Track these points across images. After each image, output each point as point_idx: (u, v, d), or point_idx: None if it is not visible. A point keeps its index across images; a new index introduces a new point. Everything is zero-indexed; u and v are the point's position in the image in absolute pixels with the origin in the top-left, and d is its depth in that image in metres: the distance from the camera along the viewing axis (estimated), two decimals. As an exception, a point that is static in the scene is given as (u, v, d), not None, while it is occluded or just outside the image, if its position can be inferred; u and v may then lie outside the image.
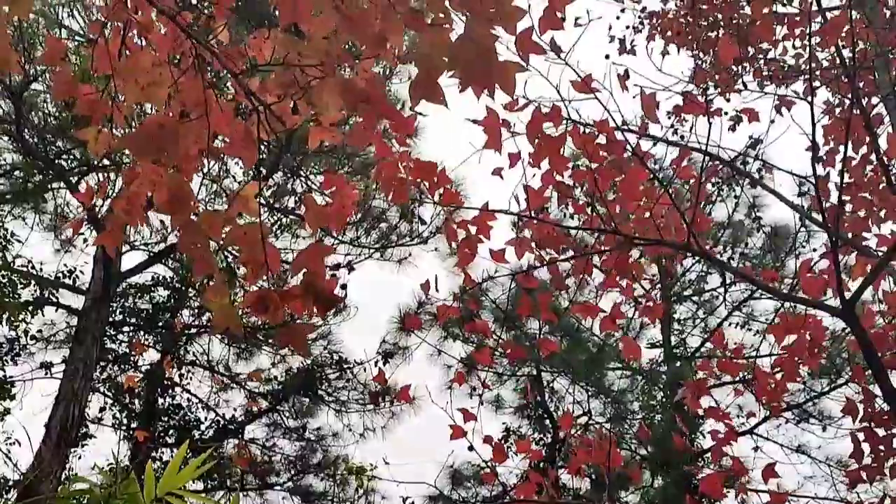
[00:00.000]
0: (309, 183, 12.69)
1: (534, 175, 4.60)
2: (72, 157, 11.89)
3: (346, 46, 2.80)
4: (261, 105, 2.76)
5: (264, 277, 2.70)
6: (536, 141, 4.45)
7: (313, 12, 2.63)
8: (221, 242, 2.83)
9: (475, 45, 2.40)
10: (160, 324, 12.86)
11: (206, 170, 11.38)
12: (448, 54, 2.43)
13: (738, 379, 6.23)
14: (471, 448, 5.22)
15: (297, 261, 2.65)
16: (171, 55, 3.25)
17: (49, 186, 12.17)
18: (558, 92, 4.39)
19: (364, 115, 2.70)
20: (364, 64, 2.90)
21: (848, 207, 5.56)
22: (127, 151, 3.18)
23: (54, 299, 12.23)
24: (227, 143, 2.91)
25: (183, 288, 12.90)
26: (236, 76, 2.89)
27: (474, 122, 4.21)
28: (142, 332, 12.97)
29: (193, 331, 13.19)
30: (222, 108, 2.94)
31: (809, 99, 4.37)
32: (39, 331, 12.39)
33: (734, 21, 7.27)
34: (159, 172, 2.84)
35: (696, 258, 11.49)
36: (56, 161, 11.60)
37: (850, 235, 5.47)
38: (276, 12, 2.79)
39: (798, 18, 6.08)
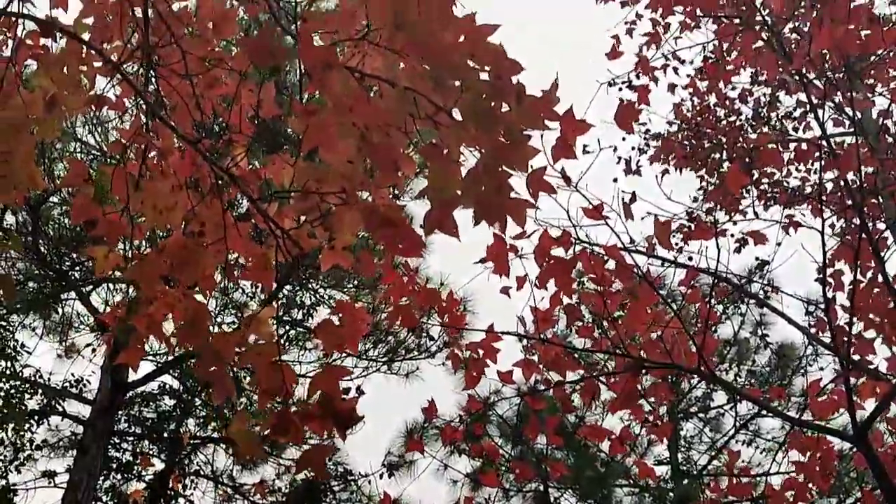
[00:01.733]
0: (318, 296, 12.76)
1: (542, 298, 4.67)
2: (84, 268, 12.00)
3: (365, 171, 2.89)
4: (279, 230, 2.84)
5: (278, 399, 2.73)
6: (544, 263, 4.53)
7: (339, 137, 2.72)
8: (235, 364, 2.87)
9: (488, 181, 2.48)
10: (165, 433, 12.76)
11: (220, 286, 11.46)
12: (461, 188, 2.51)
13: (748, 498, 6.17)
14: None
15: (313, 383, 2.69)
16: (189, 179, 3.35)
17: (60, 297, 12.25)
18: (568, 215, 4.49)
19: (385, 240, 2.77)
20: (381, 189, 2.98)
21: (856, 329, 5.58)
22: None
23: (60, 408, 12.18)
24: (245, 266, 2.98)
25: (189, 397, 12.84)
26: (254, 201, 2.97)
27: (482, 261, 4.30)
28: (146, 442, 12.86)
29: (198, 441, 13.07)
30: (240, 232, 3.02)
31: (819, 227, 4.44)
32: (45, 440, 12.30)
33: (738, 144, 7.43)
34: (177, 296, 2.90)
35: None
36: (69, 273, 11.71)
37: (857, 357, 5.48)
38: (293, 134, 2.89)
39: (806, 147, 6.22)
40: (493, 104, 2.56)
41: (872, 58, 5.95)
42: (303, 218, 2.95)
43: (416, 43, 2.64)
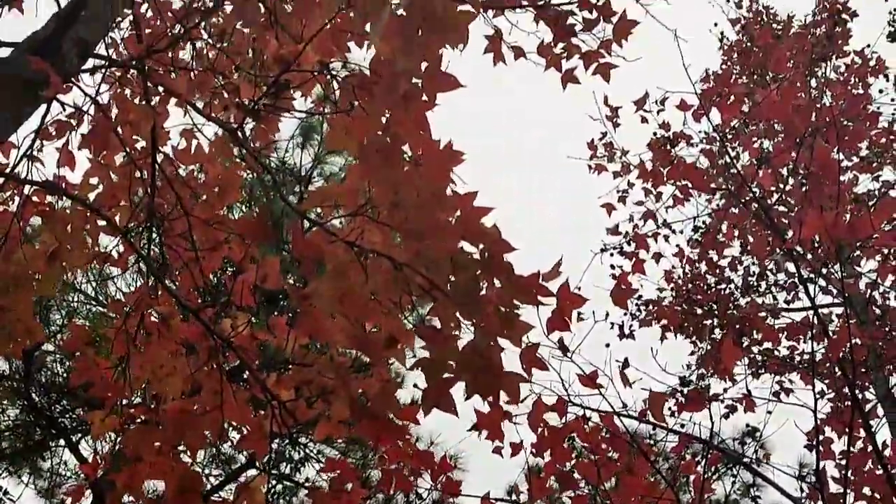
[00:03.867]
0: (307, 451, 12.61)
1: (536, 464, 4.66)
2: (75, 416, 11.89)
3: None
4: (275, 400, 2.88)
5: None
6: (539, 430, 4.55)
7: (331, 329, 2.78)
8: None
9: (482, 357, 2.54)
10: None
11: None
12: (457, 361, 2.57)
13: None
14: None
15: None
16: (188, 344, 3.40)
17: (49, 445, 12.09)
18: (562, 382, 4.54)
19: (369, 433, 2.79)
20: (376, 373, 3.03)
21: (849, 500, 5.53)
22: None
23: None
24: (241, 435, 3.00)
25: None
26: (253, 371, 3.02)
27: (475, 428, 4.32)
28: None
29: None
30: (237, 401, 3.06)
31: (811, 403, 4.48)
32: None
33: (729, 312, 7.54)
34: (169, 463, 2.91)
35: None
36: (59, 420, 11.60)
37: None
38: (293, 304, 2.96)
39: (798, 321, 6.33)
40: (484, 281, 2.64)
41: (859, 243, 6.13)
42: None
43: (413, 222, 2.74)
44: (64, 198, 3.93)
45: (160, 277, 3.53)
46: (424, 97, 2.70)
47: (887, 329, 6.77)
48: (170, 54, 4.13)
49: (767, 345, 7.52)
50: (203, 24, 4.09)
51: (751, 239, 7.22)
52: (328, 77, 3.19)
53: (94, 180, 4.18)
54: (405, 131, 2.65)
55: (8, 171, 3.77)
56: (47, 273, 3.72)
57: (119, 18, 4.07)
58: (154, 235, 4.15)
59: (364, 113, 2.72)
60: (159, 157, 4.18)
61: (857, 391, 6.16)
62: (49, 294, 3.92)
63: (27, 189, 3.78)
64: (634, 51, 4.83)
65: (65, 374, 11.44)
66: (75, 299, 11.46)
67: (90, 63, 3.67)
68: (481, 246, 2.64)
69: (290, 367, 3.00)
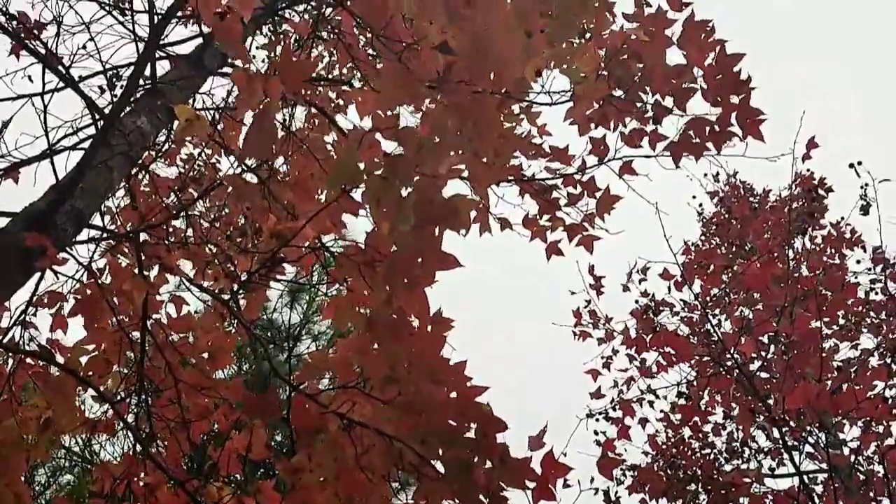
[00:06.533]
0: None
1: None
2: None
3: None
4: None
5: None
6: None
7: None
8: None
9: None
10: None
11: None
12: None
13: None
14: None
15: None
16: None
17: None
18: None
19: None
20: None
21: None
22: None
23: None
24: None
25: None
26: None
27: None
28: None
29: None
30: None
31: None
32: None
33: (713, 478, 7.49)
34: None
35: None
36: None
37: None
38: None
39: (784, 492, 6.30)
40: (475, 461, 2.66)
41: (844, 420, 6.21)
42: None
43: (406, 398, 2.77)
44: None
45: (147, 448, 3.53)
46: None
47: (872, 495, 6.74)
48: (164, 226, 4.23)
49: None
50: (199, 199, 4.21)
51: (734, 406, 7.26)
52: (325, 253, 3.28)
53: (86, 346, 4.20)
54: (410, 310, 2.72)
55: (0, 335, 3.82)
56: (39, 438, 3.70)
57: (115, 190, 4.18)
58: (143, 402, 4.15)
59: (365, 289, 2.80)
60: (150, 324, 4.22)
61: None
62: (42, 457, 3.89)
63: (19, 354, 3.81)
64: (617, 220, 4.99)
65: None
66: (60, 455, 11.28)
67: (85, 233, 3.75)
68: (474, 425, 2.67)
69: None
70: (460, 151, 2.77)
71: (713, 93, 4.01)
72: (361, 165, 2.77)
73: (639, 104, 4.07)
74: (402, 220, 2.49)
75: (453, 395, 2.73)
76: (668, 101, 4.09)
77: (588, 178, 4.79)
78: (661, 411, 8.11)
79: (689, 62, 4.00)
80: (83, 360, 4.12)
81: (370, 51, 4.42)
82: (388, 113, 3.52)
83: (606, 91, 3.97)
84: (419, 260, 2.63)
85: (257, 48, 5.64)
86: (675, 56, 4.04)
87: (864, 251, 8.97)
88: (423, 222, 2.54)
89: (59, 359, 3.90)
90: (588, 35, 4.07)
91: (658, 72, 3.99)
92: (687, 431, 7.87)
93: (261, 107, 3.07)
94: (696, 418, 7.21)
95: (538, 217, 4.90)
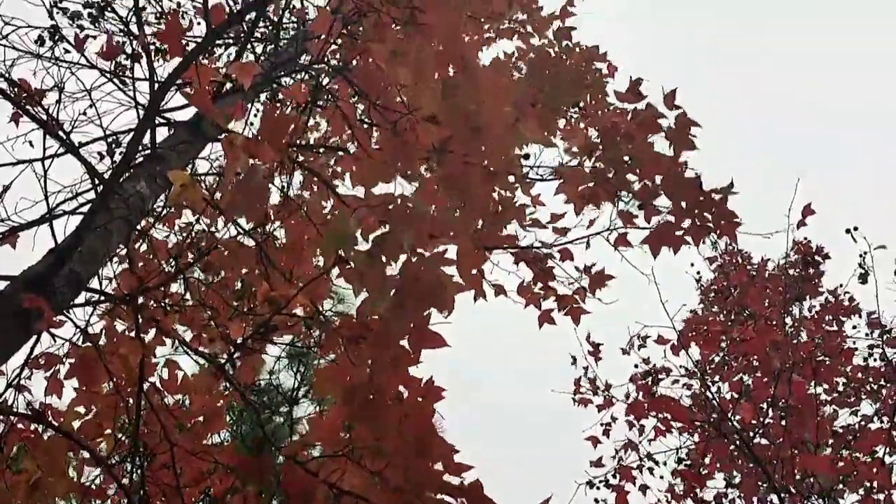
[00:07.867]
0: None
1: None
2: None
3: None
4: None
5: None
6: None
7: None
8: None
9: None
10: None
11: None
12: None
13: None
14: None
15: None
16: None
17: None
18: None
19: None
20: None
21: None
22: None
23: None
24: None
25: None
26: None
27: None
28: None
29: None
30: None
31: None
32: None
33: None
34: None
35: None
36: None
37: None
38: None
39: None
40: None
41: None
42: None
43: (396, 468, 2.77)
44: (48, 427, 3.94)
45: (140, 513, 3.51)
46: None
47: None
48: (161, 289, 4.25)
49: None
50: (196, 263, 4.24)
51: (735, 473, 7.21)
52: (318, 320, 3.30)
53: (79, 409, 4.20)
54: (391, 386, 2.72)
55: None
56: (29, 502, 3.69)
57: (114, 254, 4.20)
58: (137, 466, 4.13)
59: (350, 362, 2.81)
60: (145, 387, 4.22)
61: None
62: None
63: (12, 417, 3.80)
64: (616, 283, 5.02)
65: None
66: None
67: (82, 296, 3.77)
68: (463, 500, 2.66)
69: None
70: (450, 233, 2.80)
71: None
72: (358, 233, 2.81)
73: (625, 192, 4.12)
74: (381, 299, 2.51)
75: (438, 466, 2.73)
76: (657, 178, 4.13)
77: (583, 262, 4.88)
78: (661, 477, 8.03)
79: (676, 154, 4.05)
80: (76, 423, 4.11)
81: (366, 119, 4.48)
82: (381, 187, 3.55)
83: (590, 178, 4.02)
84: (406, 337, 2.65)
85: (254, 116, 5.72)
86: (662, 145, 4.10)
87: (860, 318, 8.99)
88: (407, 300, 2.55)
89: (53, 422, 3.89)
90: (580, 107, 4.13)
91: (648, 156, 4.04)
92: (689, 503, 7.78)
93: (249, 166, 3.10)
94: (698, 490, 7.13)
95: (532, 284, 4.94)
